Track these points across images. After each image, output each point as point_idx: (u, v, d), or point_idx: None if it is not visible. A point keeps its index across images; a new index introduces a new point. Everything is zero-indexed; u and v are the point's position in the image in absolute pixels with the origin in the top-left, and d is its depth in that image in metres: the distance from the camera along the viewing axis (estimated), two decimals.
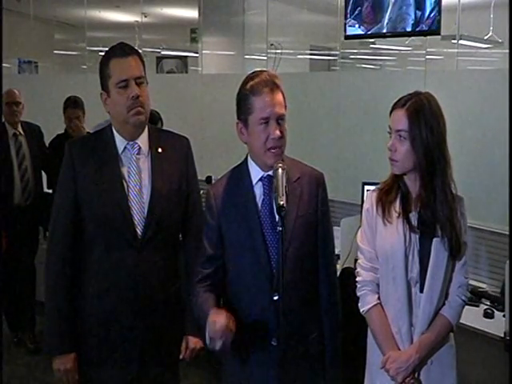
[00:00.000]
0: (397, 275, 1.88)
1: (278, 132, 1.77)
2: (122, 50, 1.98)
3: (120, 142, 2.05)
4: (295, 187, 1.85)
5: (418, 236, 1.88)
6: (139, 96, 1.96)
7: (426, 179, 1.86)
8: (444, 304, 1.92)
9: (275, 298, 1.78)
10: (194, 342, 2.13)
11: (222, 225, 1.87)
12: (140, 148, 2.05)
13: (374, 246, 1.94)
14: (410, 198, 1.91)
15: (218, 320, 1.65)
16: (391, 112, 1.89)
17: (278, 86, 1.80)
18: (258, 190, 1.85)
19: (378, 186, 1.99)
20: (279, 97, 1.80)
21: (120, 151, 2.04)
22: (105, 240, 2.02)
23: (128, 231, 2.00)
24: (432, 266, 1.86)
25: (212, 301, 1.82)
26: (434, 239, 1.87)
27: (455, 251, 1.88)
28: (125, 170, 2.03)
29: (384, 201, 1.92)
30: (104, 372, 2.06)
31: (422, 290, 1.88)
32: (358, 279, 1.98)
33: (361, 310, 1.96)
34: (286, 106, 1.82)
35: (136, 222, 2.01)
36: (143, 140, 2.06)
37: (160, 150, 2.07)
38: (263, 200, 1.85)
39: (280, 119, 1.79)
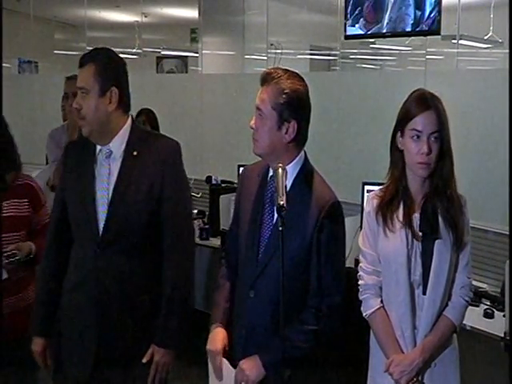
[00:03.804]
0: (399, 278, 1.87)
1: None
2: (80, 61, 2.03)
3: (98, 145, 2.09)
4: (295, 204, 1.78)
5: (420, 238, 1.87)
6: (78, 109, 2.00)
7: (440, 178, 1.86)
8: (447, 305, 1.91)
9: (251, 295, 1.84)
10: (160, 353, 2.03)
11: (239, 204, 1.97)
12: (111, 152, 2.05)
13: (375, 249, 1.93)
14: (413, 202, 1.89)
15: (214, 348, 1.85)
16: (413, 116, 1.83)
17: None
18: (271, 185, 1.86)
19: (379, 190, 1.96)
20: None
21: (97, 153, 2.08)
22: (76, 238, 2.10)
23: (91, 232, 2.03)
24: (435, 268, 1.85)
25: (222, 303, 1.95)
26: (437, 241, 1.86)
27: (458, 252, 1.88)
28: (97, 172, 2.06)
29: (385, 210, 1.90)
30: (63, 367, 2.12)
31: (424, 292, 1.87)
32: (360, 283, 1.97)
33: (364, 314, 1.95)
34: None
35: (99, 224, 2.02)
36: (116, 144, 2.05)
37: (135, 153, 2.04)
38: (270, 196, 1.85)
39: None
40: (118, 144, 2.04)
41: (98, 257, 2.01)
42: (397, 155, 1.91)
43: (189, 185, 2.24)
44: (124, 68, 2.07)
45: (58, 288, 2.12)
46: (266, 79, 1.80)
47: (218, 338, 1.87)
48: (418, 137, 1.83)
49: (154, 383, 2.04)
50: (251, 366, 1.78)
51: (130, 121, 2.08)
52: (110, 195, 2.02)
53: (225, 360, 1.86)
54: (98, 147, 2.07)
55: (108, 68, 2.00)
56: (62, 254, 2.13)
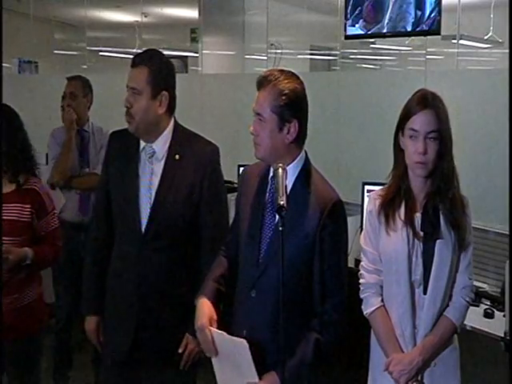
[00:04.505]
0: (400, 277, 1.87)
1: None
2: (133, 60, 2.08)
3: (142, 141, 2.15)
4: (297, 204, 1.78)
5: (421, 238, 1.87)
6: (127, 107, 2.06)
7: (441, 179, 1.85)
8: (448, 305, 1.90)
9: (252, 295, 1.82)
10: (194, 343, 2.12)
11: (239, 204, 1.96)
12: (154, 152, 2.12)
13: (377, 248, 1.93)
14: (415, 202, 1.89)
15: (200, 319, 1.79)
16: (412, 115, 1.83)
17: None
18: (272, 185, 1.85)
19: (381, 190, 1.96)
20: None
21: (141, 150, 2.14)
22: (118, 233, 2.19)
23: (133, 227, 2.12)
24: (436, 268, 1.85)
25: (210, 282, 1.91)
26: (438, 241, 1.86)
27: (459, 252, 1.88)
28: (140, 170, 2.13)
29: (387, 209, 1.90)
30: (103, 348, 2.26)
31: (425, 292, 1.87)
32: (361, 281, 1.97)
33: (364, 313, 1.95)
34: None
35: (142, 224, 2.10)
36: (159, 144, 2.12)
37: (177, 156, 2.11)
38: (271, 197, 1.84)
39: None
40: (161, 144, 2.12)
41: (139, 253, 2.10)
42: (399, 155, 1.91)
43: (226, 188, 2.30)
44: (174, 72, 2.14)
45: (105, 270, 2.21)
46: (262, 83, 1.79)
47: (201, 312, 1.81)
48: (416, 136, 1.83)
49: (184, 369, 2.15)
50: None
51: (173, 121, 2.15)
52: (153, 198, 2.09)
53: (213, 329, 1.77)
54: (142, 144, 2.13)
55: (161, 72, 2.06)
56: (107, 238, 2.22)
